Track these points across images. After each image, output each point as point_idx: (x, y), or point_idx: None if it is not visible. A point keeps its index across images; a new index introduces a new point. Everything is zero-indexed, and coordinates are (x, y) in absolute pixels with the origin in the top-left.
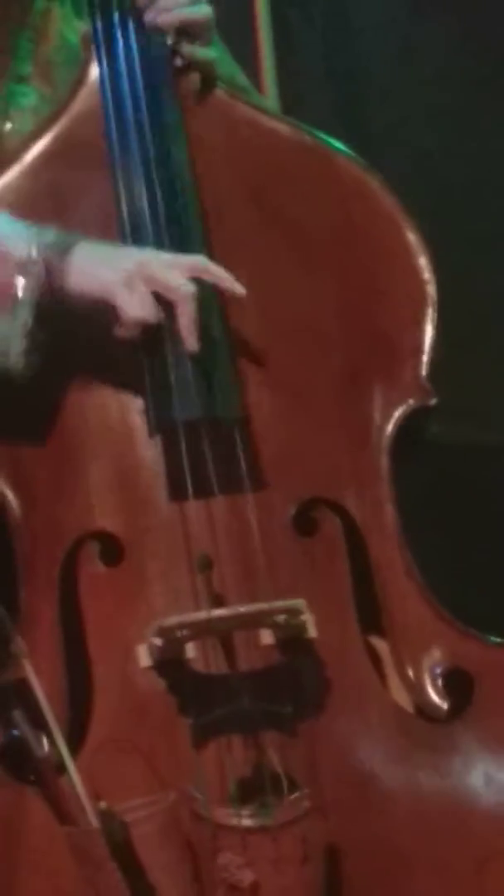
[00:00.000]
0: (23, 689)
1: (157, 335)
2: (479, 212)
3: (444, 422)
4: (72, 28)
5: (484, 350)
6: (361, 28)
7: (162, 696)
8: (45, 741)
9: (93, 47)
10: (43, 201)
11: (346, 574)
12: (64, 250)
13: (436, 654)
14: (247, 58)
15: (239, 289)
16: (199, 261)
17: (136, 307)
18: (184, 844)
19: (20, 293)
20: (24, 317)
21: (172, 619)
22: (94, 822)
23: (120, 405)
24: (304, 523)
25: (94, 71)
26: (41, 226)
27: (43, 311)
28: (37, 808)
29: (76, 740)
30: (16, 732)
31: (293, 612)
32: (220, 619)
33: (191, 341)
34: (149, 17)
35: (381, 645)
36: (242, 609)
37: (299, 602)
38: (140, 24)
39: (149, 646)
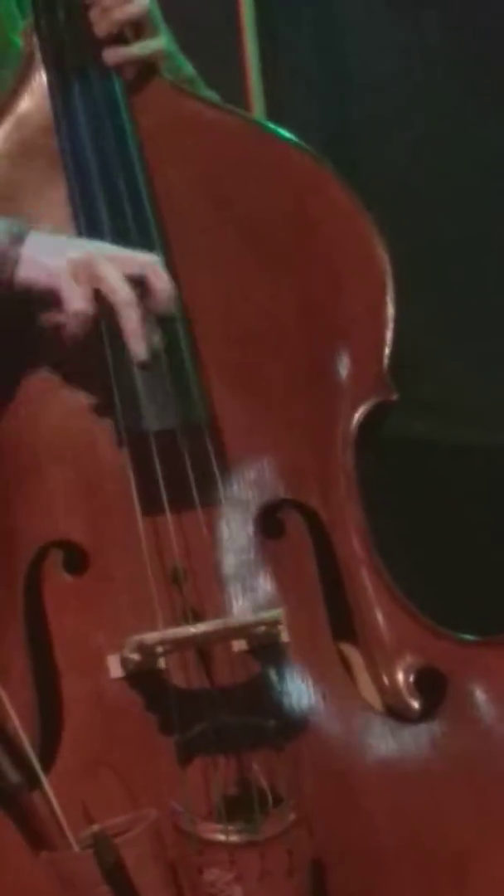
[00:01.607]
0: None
1: (114, 339)
2: (467, 214)
3: (427, 420)
4: (14, 29)
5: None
6: (349, 28)
7: (135, 709)
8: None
9: (37, 47)
10: None
11: (315, 575)
12: (16, 239)
13: (407, 653)
14: (232, 60)
15: (168, 308)
16: (150, 260)
17: (78, 300)
18: (168, 862)
19: None
20: None
21: (153, 636)
22: (75, 845)
23: (82, 411)
24: (270, 525)
25: (39, 69)
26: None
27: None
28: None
29: (47, 757)
30: None
31: (273, 623)
32: (204, 634)
33: (138, 349)
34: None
35: (348, 646)
36: (225, 623)
37: (278, 612)
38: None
39: (122, 658)
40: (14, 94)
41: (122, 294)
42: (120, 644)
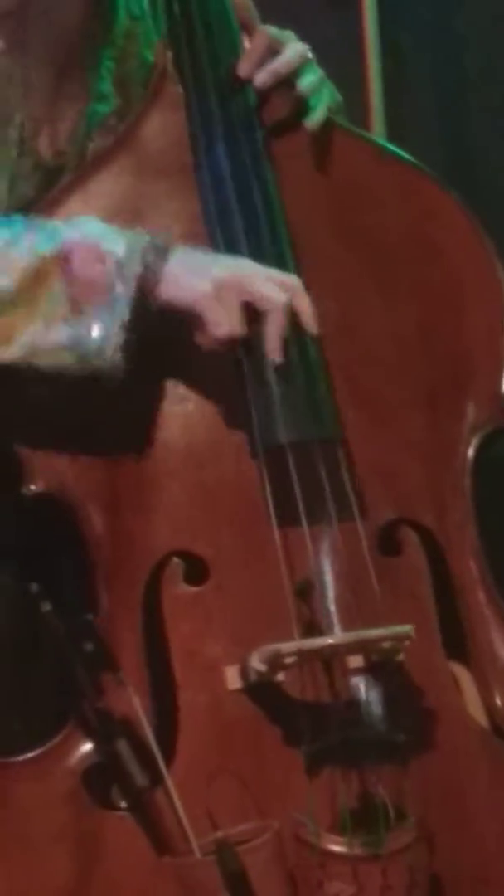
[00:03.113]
0: (127, 719)
1: (254, 351)
2: None
3: None
4: (151, 48)
5: None
6: (473, 44)
7: (252, 720)
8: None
9: (170, 61)
10: (120, 212)
11: (429, 594)
12: (161, 253)
13: None
14: (354, 76)
15: (314, 328)
16: (294, 281)
17: (223, 323)
18: (287, 873)
19: (118, 287)
20: (122, 311)
21: (290, 645)
22: (197, 851)
23: (209, 422)
24: (388, 543)
25: (172, 83)
26: (134, 230)
27: (137, 310)
28: (118, 835)
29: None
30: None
31: (402, 638)
32: (339, 645)
33: (276, 353)
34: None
35: (455, 666)
36: (360, 635)
37: (409, 628)
38: None
39: (244, 668)
40: (146, 107)
41: (277, 297)
42: (239, 655)
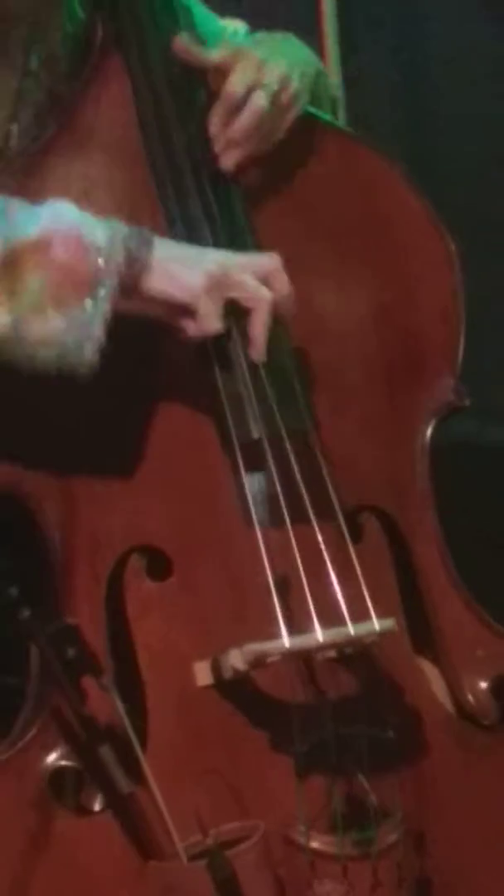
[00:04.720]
0: (110, 724)
1: (229, 346)
2: None
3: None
4: (74, 18)
5: None
6: (431, 31)
7: (224, 717)
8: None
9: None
10: (69, 193)
11: (394, 582)
12: (145, 242)
13: (482, 660)
14: None
15: (290, 311)
16: (272, 262)
17: (214, 319)
18: (275, 874)
19: (101, 280)
20: (104, 304)
21: (276, 644)
22: (183, 855)
23: (177, 416)
24: (352, 531)
25: (114, 58)
26: (109, 218)
27: (117, 305)
28: (95, 840)
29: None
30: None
31: (386, 633)
32: (326, 644)
33: (260, 351)
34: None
35: (420, 657)
36: (348, 632)
37: (392, 622)
38: None
39: (213, 665)
40: (88, 87)
41: (263, 297)
42: (207, 651)
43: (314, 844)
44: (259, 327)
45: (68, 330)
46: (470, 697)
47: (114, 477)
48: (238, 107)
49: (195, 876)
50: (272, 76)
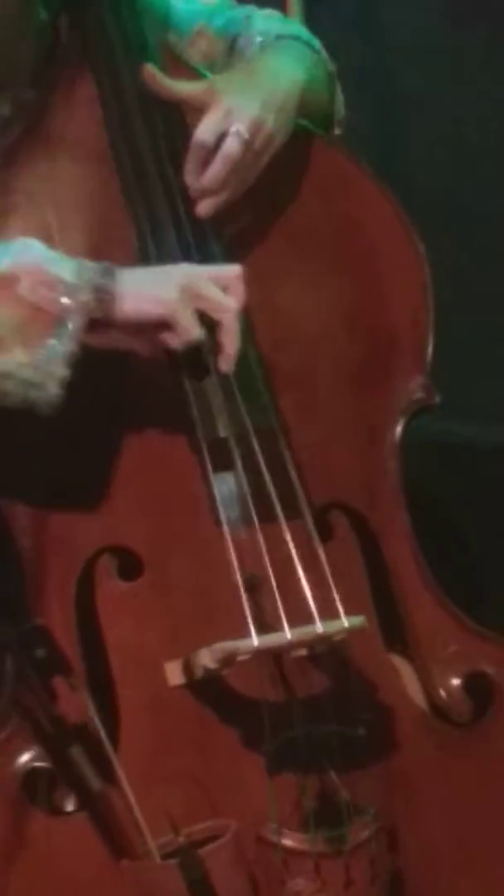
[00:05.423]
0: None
1: (198, 356)
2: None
3: (444, 420)
4: (37, 21)
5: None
6: (397, 31)
7: (196, 717)
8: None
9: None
10: (36, 196)
11: (365, 580)
12: (108, 273)
13: (455, 657)
14: None
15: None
16: (235, 272)
17: (194, 327)
18: (248, 872)
19: (68, 317)
20: (70, 343)
21: (247, 643)
22: (156, 853)
23: (147, 416)
24: (321, 529)
25: (79, 62)
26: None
27: (83, 342)
28: (67, 840)
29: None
30: (38, 764)
31: (356, 631)
32: (296, 642)
33: (231, 362)
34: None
35: (393, 654)
36: (317, 630)
37: (362, 619)
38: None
39: (185, 664)
40: (54, 93)
41: (229, 307)
42: (178, 651)
43: (286, 842)
44: (229, 337)
45: (32, 367)
46: (443, 694)
47: (84, 479)
48: (209, 154)
49: (167, 874)
50: (243, 121)
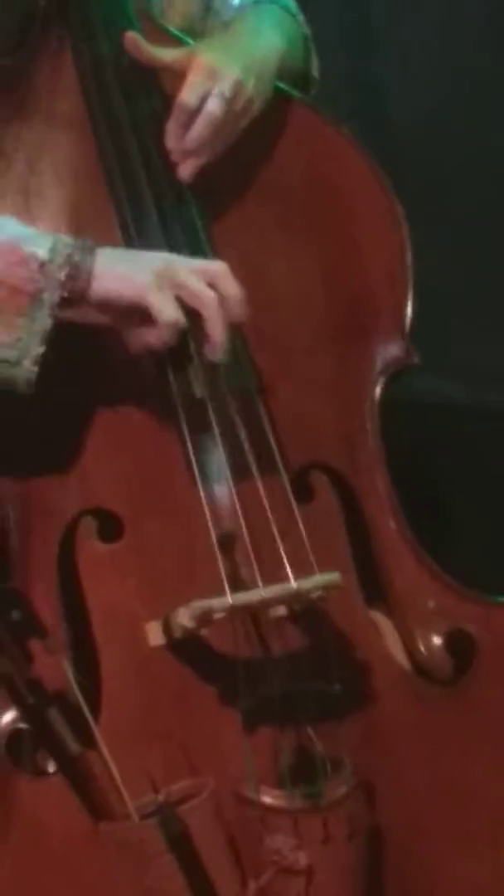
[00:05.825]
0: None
1: (182, 344)
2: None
3: (429, 381)
4: None
5: (472, 308)
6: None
7: (177, 677)
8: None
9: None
10: (13, 161)
11: (345, 539)
12: (87, 250)
13: (436, 614)
14: None
15: (241, 315)
16: (220, 268)
17: (170, 310)
18: (227, 830)
19: (42, 294)
20: (44, 320)
21: (222, 601)
22: (134, 815)
23: (124, 379)
24: (301, 490)
25: (57, 29)
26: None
27: (59, 319)
28: (47, 803)
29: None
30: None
31: (331, 587)
32: (270, 599)
33: (217, 350)
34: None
35: (375, 612)
36: (291, 587)
37: (337, 576)
38: None
39: (164, 624)
40: (31, 56)
41: (207, 297)
42: (159, 611)
43: (264, 799)
44: (213, 325)
45: (8, 346)
46: (424, 651)
47: (62, 443)
48: (192, 117)
49: (147, 833)
50: (225, 83)
